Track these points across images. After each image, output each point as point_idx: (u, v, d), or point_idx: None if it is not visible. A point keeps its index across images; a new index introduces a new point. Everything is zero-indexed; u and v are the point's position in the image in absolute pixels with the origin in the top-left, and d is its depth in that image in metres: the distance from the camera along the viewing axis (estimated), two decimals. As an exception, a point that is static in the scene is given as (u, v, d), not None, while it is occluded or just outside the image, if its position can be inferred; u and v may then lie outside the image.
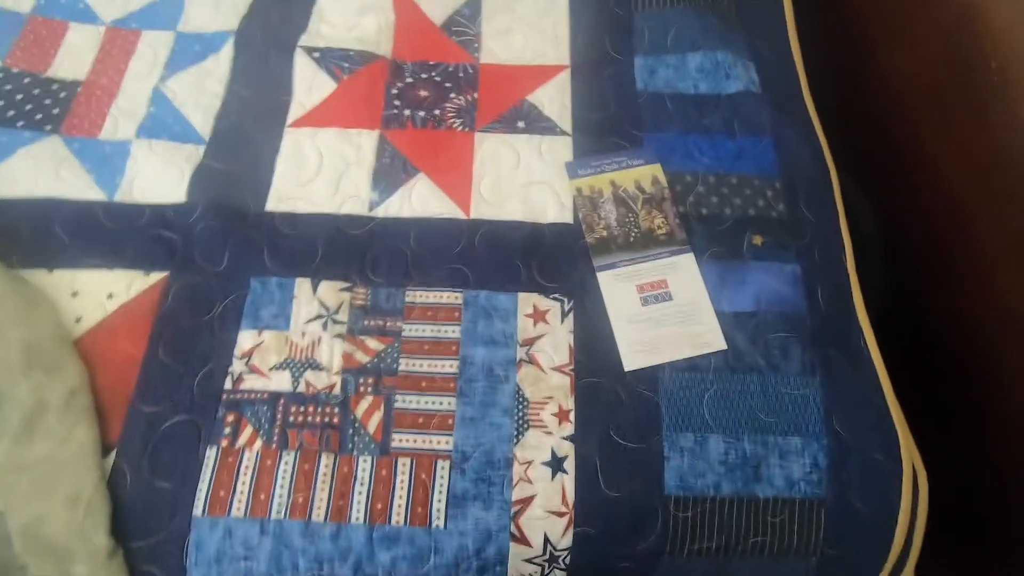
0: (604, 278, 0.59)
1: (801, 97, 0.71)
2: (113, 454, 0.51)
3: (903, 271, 0.75)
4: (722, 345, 0.56)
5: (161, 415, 0.53)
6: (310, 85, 0.69)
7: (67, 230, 0.60)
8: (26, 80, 0.67)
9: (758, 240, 0.62)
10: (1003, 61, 0.61)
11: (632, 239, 0.61)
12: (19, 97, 0.66)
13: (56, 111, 0.66)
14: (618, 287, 0.59)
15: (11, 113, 0.65)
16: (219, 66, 0.70)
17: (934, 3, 0.70)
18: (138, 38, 0.71)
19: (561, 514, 0.50)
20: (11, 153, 0.63)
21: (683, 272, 0.59)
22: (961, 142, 0.68)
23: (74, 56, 0.70)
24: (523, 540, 0.50)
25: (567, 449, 0.53)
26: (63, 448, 0.50)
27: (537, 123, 0.68)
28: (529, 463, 0.52)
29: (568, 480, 0.52)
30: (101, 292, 0.57)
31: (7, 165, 0.63)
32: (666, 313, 0.58)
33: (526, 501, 0.51)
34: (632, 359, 0.56)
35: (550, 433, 0.53)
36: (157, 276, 0.58)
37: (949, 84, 0.69)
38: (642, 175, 0.64)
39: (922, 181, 0.74)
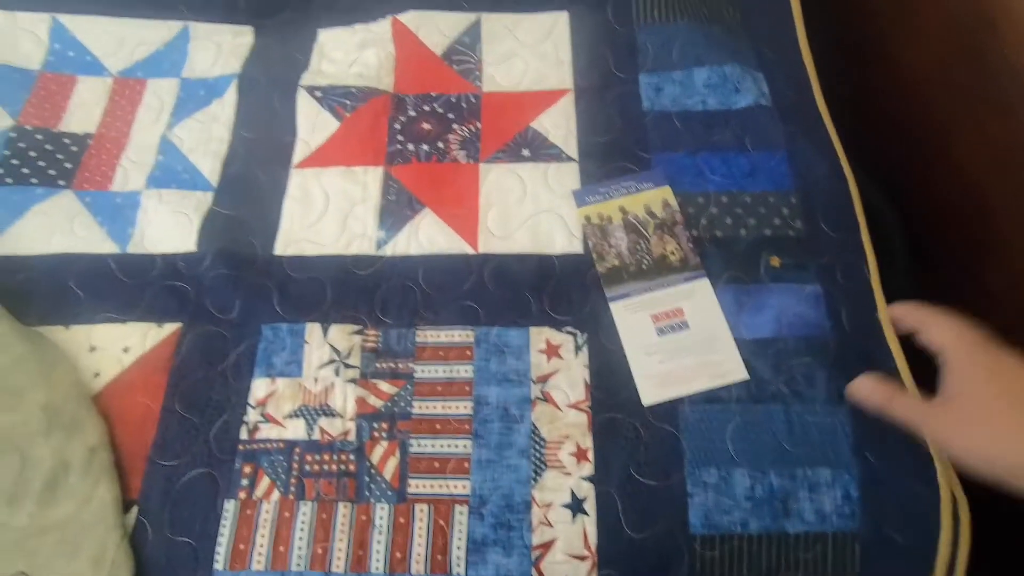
0: (617, 309, 0.58)
1: (815, 107, 0.68)
2: (134, 510, 0.52)
3: (926, 275, 0.72)
4: (743, 375, 0.54)
5: (179, 469, 0.53)
6: (313, 124, 0.69)
7: (82, 285, 0.61)
8: (38, 136, 0.68)
9: (776, 261, 0.59)
10: (1018, 50, 0.58)
11: (644, 267, 0.59)
12: (32, 154, 0.67)
13: (68, 165, 0.67)
14: (632, 317, 0.57)
15: (25, 171, 0.66)
16: (224, 110, 0.71)
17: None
18: (144, 87, 0.72)
19: (583, 558, 0.49)
20: (25, 210, 0.64)
21: (699, 299, 0.58)
22: (980, 136, 0.65)
23: (84, 109, 0.71)
24: (545, 586, 0.49)
25: (587, 490, 0.51)
26: (86, 508, 0.50)
27: (542, 150, 0.67)
28: (548, 505, 0.51)
29: (589, 522, 0.50)
30: (117, 346, 0.58)
31: (22, 223, 0.64)
32: (683, 343, 0.56)
33: (547, 545, 0.50)
34: (650, 393, 0.54)
35: (569, 474, 0.52)
36: (171, 327, 0.59)
37: (963, 77, 0.66)
38: (652, 199, 0.62)
39: (941, 177, 0.71)
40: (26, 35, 0.73)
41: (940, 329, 0.43)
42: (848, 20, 0.82)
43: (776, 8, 0.74)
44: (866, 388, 0.48)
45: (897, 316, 0.49)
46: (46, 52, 0.73)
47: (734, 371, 0.55)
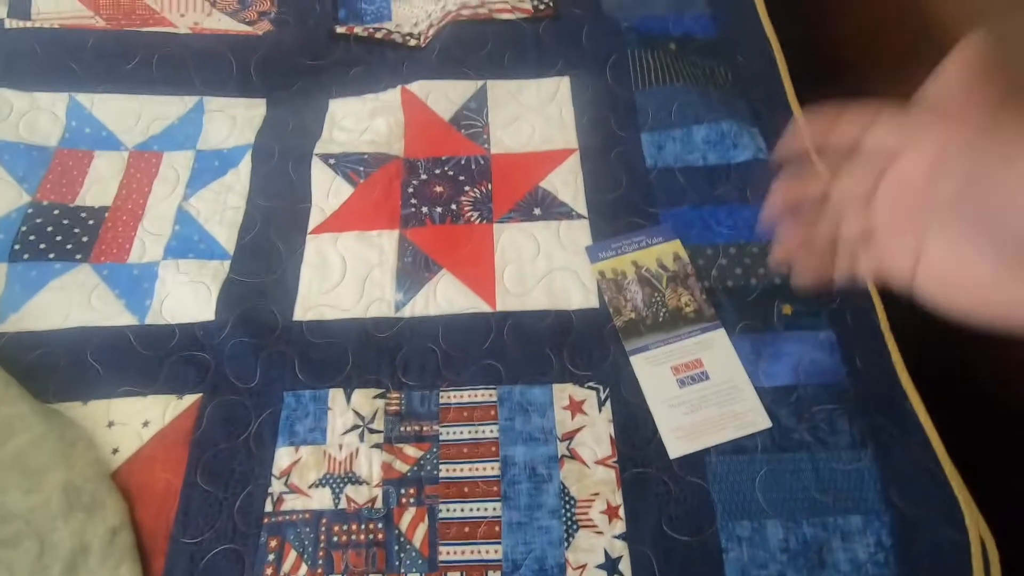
0: (637, 362, 0.59)
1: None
2: (157, 593, 0.50)
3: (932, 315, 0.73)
4: (766, 423, 0.55)
5: (203, 546, 0.52)
6: (328, 191, 0.71)
7: (100, 359, 0.60)
8: (55, 212, 0.69)
9: (788, 309, 0.61)
10: None
11: (661, 319, 0.61)
12: (49, 229, 0.68)
13: (85, 239, 0.68)
14: (653, 370, 0.58)
15: (43, 246, 0.67)
16: (239, 180, 0.72)
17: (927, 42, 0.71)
18: (160, 160, 0.74)
19: (622, 622, 0.48)
20: (42, 286, 0.65)
21: (717, 349, 0.59)
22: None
23: (100, 183, 0.72)
24: (585, 654, 0.48)
25: (620, 549, 0.51)
26: (107, 593, 0.49)
27: (553, 208, 0.69)
28: (583, 567, 0.50)
29: (626, 584, 0.50)
30: (136, 420, 0.57)
31: (39, 298, 0.64)
32: (705, 394, 0.57)
33: (584, 610, 0.49)
34: (675, 446, 0.55)
35: (601, 533, 0.52)
36: (191, 399, 0.59)
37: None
38: (663, 253, 0.64)
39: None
40: (44, 114, 0.75)
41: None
42: (836, 77, 0.86)
43: (765, 68, 0.79)
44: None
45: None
46: (63, 129, 0.75)
47: (758, 420, 0.55)
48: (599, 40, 0.80)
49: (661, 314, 0.61)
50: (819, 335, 0.60)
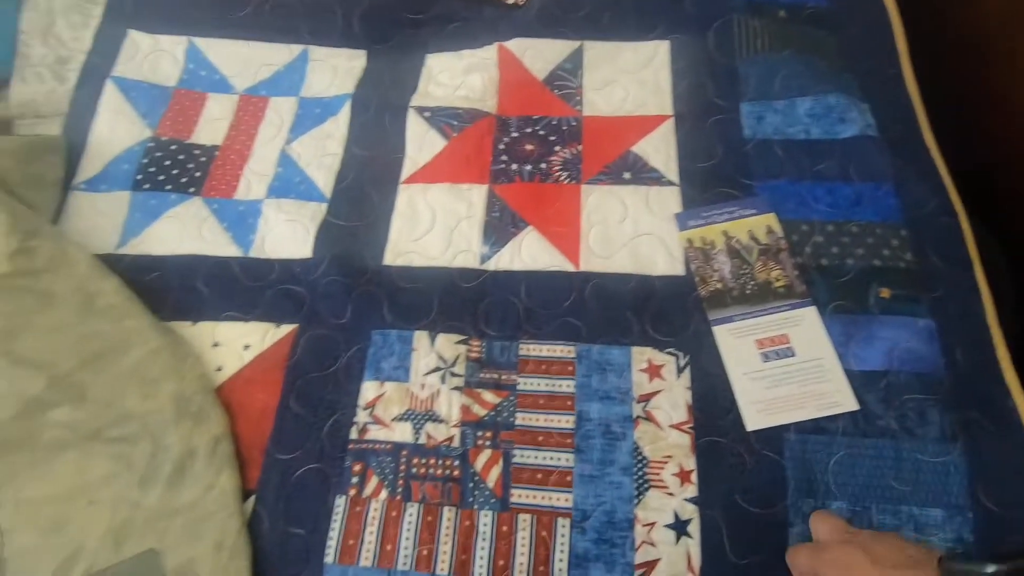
0: (720, 332, 0.58)
1: (922, 138, 0.67)
2: (252, 500, 0.55)
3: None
4: (853, 405, 0.53)
5: (294, 463, 0.56)
6: (421, 143, 0.73)
7: (208, 284, 0.65)
8: (173, 147, 0.75)
9: (886, 293, 0.59)
10: None
11: (748, 292, 0.59)
12: (167, 163, 0.73)
13: (198, 174, 0.73)
14: (736, 342, 0.57)
15: (161, 178, 0.72)
16: (338, 128, 0.75)
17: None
18: (266, 104, 0.78)
19: (687, 581, 0.49)
20: (160, 215, 0.70)
21: (805, 327, 0.57)
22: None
23: (212, 124, 0.76)
24: (648, 606, 0.49)
25: (691, 512, 0.51)
26: (210, 494, 0.54)
27: (643, 174, 0.68)
28: (652, 525, 0.51)
29: (693, 545, 0.50)
30: (238, 343, 0.62)
31: (158, 225, 0.69)
32: (789, 370, 0.56)
33: (650, 565, 0.50)
34: (754, 419, 0.54)
35: (672, 494, 0.52)
36: (287, 328, 0.62)
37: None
38: (756, 225, 0.63)
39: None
40: (166, 56, 0.80)
41: (804, 559, 0.47)
42: (956, 56, 0.80)
43: (879, 40, 0.74)
44: None
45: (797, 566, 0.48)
46: (181, 71, 0.80)
47: (843, 402, 0.54)
48: (703, 4, 0.77)
49: (749, 287, 0.60)
50: (918, 322, 0.57)
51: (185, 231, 0.69)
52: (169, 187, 0.72)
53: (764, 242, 0.61)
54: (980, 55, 0.78)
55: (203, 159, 0.74)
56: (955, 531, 0.50)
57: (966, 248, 0.61)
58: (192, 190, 0.72)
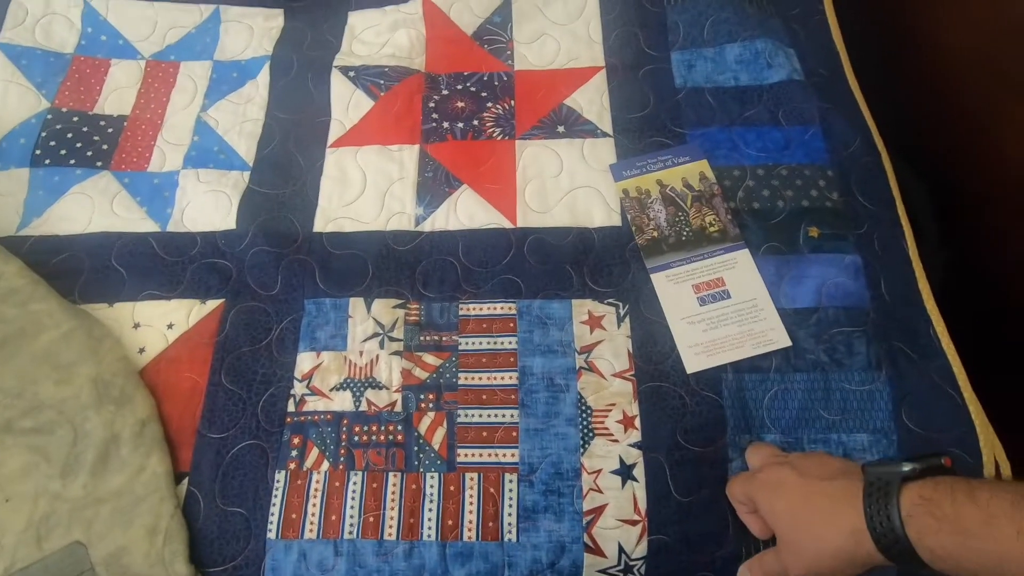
0: (658, 279, 0.58)
1: (846, 81, 0.69)
2: (185, 482, 0.52)
3: (960, 251, 0.72)
4: (787, 342, 0.55)
5: (228, 441, 0.53)
6: (348, 104, 0.69)
7: (124, 263, 0.61)
8: (75, 119, 0.69)
9: (814, 232, 0.60)
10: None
11: (684, 238, 0.60)
12: (70, 136, 0.68)
13: (105, 147, 0.68)
14: (673, 288, 0.58)
15: (63, 152, 0.67)
16: (258, 91, 0.71)
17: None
18: (177, 70, 0.73)
19: (634, 523, 0.50)
20: (66, 191, 0.65)
21: (740, 269, 0.58)
22: (1017, 114, 0.65)
23: (118, 92, 0.71)
24: (597, 551, 0.49)
25: (635, 456, 0.52)
26: (138, 479, 0.51)
27: (577, 126, 0.67)
28: (598, 472, 0.51)
29: (639, 488, 0.51)
30: (161, 322, 0.58)
31: (63, 203, 0.64)
32: (725, 312, 0.56)
33: (598, 511, 0.50)
34: (693, 361, 0.55)
35: (616, 441, 0.52)
36: (213, 303, 0.59)
37: (1001, 53, 0.66)
38: (689, 172, 0.63)
39: (979, 159, 0.71)
40: (59, 19, 0.74)
41: (738, 489, 0.49)
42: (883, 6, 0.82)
43: (804, -14, 0.75)
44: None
45: (735, 496, 0.49)
46: (79, 36, 0.74)
47: (778, 339, 0.55)
48: (631, -47, 0.76)
49: (684, 233, 0.60)
50: (845, 259, 0.59)
51: (94, 208, 0.64)
52: (73, 161, 0.66)
53: (698, 188, 0.61)
54: None
55: (110, 130, 0.69)
56: (881, 453, 0.52)
57: (889, 186, 0.63)
58: (99, 164, 0.67)
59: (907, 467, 0.41)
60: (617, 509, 0.50)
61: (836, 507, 0.42)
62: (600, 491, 0.51)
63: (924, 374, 0.54)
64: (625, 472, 0.51)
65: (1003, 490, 0.37)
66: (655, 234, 0.60)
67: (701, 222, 0.60)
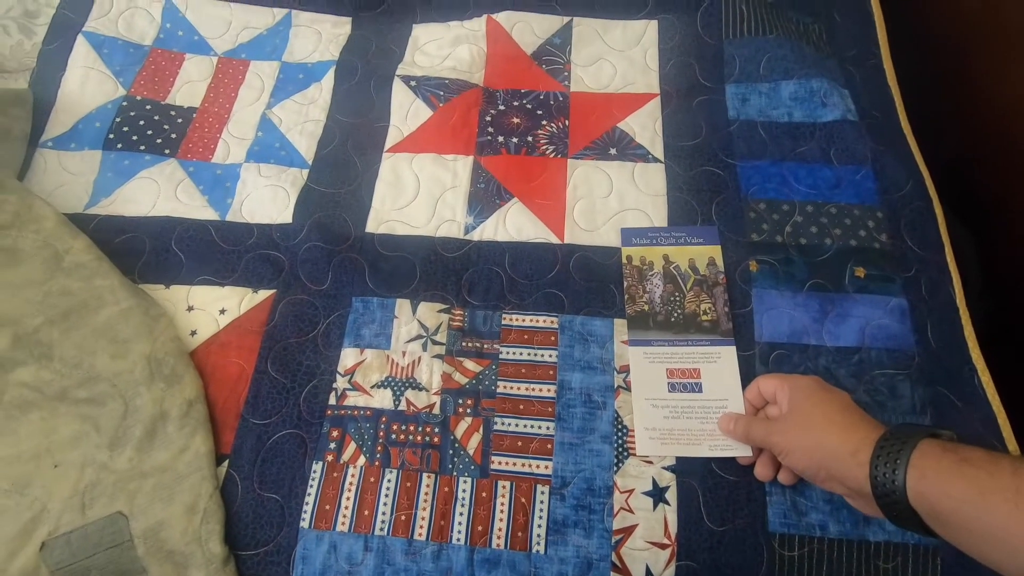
0: (635, 354, 0.57)
1: (899, 124, 0.69)
2: (225, 464, 0.53)
3: (1002, 303, 0.71)
4: (747, 452, 0.52)
5: (270, 428, 0.55)
6: (407, 112, 0.72)
7: (183, 248, 0.63)
8: (148, 107, 0.72)
9: (861, 272, 0.60)
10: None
11: (673, 319, 0.58)
12: (142, 123, 0.71)
13: (174, 136, 0.71)
14: (647, 366, 0.56)
15: (135, 138, 0.70)
16: (321, 94, 0.74)
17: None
18: (247, 68, 0.76)
19: (663, 546, 0.50)
20: (134, 175, 0.68)
21: (720, 365, 0.56)
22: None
23: (190, 85, 0.74)
24: (624, 571, 0.49)
25: (668, 479, 0.52)
26: (182, 457, 0.52)
27: (629, 150, 0.68)
28: (630, 492, 0.51)
29: (671, 512, 0.51)
30: (214, 307, 0.60)
31: (130, 186, 0.67)
32: (692, 405, 0.54)
33: (627, 531, 0.50)
34: (646, 445, 0.53)
35: (650, 463, 0.53)
36: (265, 293, 0.61)
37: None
38: (699, 255, 0.61)
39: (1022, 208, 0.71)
40: (141, 13, 0.78)
41: (774, 380, 0.51)
42: (935, 50, 0.82)
43: (861, 29, 0.76)
44: (725, 424, 0.53)
45: (764, 390, 0.52)
46: (158, 30, 0.77)
47: (737, 447, 0.52)
48: (692, -15, 0.78)
49: (675, 315, 0.58)
50: (891, 301, 0.59)
51: (159, 193, 0.67)
52: (143, 148, 0.69)
53: (703, 273, 0.60)
54: (958, 48, 0.80)
55: (179, 120, 0.72)
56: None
57: (938, 231, 0.63)
58: (167, 151, 0.69)
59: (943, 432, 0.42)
60: (647, 531, 0.50)
61: (853, 426, 0.44)
62: (631, 511, 0.51)
63: (968, 422, 0.54)
64: (658, 494, 0.51)
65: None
66: (645, 307, 0.59)
67: (696, 308, 0.59)
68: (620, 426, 0.54)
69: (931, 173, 0.67)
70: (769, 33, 0.73)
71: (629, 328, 0.58)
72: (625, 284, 0.60)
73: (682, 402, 0.55)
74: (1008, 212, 0.73)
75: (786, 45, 0.72)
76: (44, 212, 0.61)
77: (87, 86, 0.72)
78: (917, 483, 0.38)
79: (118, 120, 0.71)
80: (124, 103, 0.72)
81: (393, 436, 0.54)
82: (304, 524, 0.51)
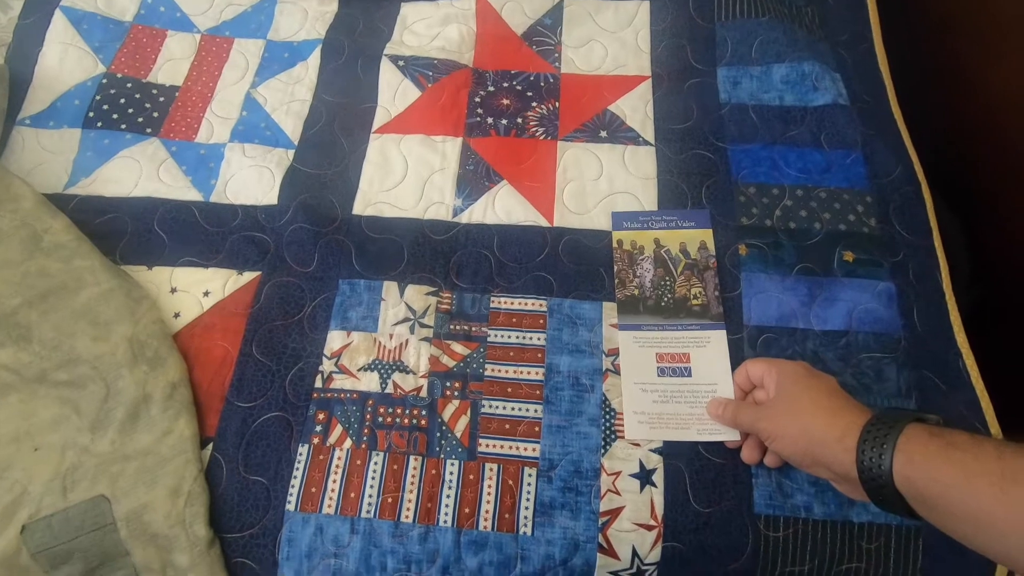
0: (625, 338, 0.56)
1: (890, 110, 0.69)
2: (210, 447, 0.53)
3: (990, 290, 0.72)
4: (733, 436, 0.52)
5: (255, 411, 0.54)
6: (395, 92, 0.71)
7: (166, 228, 0.62)
8: (128, 85, 0.70)
9: (849, 256, 0.60)
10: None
11: (663, 304, 0.58)
12: (122, 101, 0.69)
13: (156, 115, 0.69)
14: (637, 350, 0.56)
15: (115, 116, 0.68)
16: (307, 73, 0.72)
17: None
18: (231, 46, 0.74)
19: (650, 528, 0.50)
20: (114, 154, 0.66)
21: (710, 350, 0.56)
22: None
23: (172, 63, 0.72)
24: (611, 552, 0.49)
25: (656, 462, 0.52)
26: (165, 440, 0.52)
27: (619, 133, 0.68)
28: (617, 474, 0.52)
29: (657, 493, 0.51)
30: (198, 289, 0.59)
31: (111, 165, 0.66)
32: (681, 389, 0.54)
33: (614, 513, 0.50)
34: (634, 429, 0.53)
35: (638, 445, 0.53)
36: (250, 275, 0.60)
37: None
38: (690, 239, 0.61)
39: (1013, 196, 0.71)
40: (121, -12, 0.76)
41: (762, 364, 0.51)
42: (927, 37, 0.82)
43: (854, 13, 0.75)
44: (714, 409, 0.53)
45: (752, 374, 0.51)
46: (139, 5, 0.75)
47: (725, 432, 0.52)
48: (684, -33, 0.77)
49: (665, 299, 0.58)
50: (878, 285, 0.59)
51: (141, 172, 0.65)
52: (124, 126, 0.68)
53: (693, 257, 0.60)
54: (950, 34, 0.80)
55: (161, 99, 0.70)
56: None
57: (927, 217, 0.63)
58: (149, 130, 0.68)
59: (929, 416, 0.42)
60: (634, 512, 0.50)
61: (840, 411, 0.44)
62: (618, 493, 0.51)
63: (953, 405, 0.54)
64: (644, 476, 0.51)
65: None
66: (635, 292, 0.58)
67: (686, 292, 0.58)
68: (608, 409, 0.54)
69: (921, 159, 0.67)
70: (762, 16, 0.73)
71: (619, 312, 0.58)
72: (615, 269, 0.60)
73: (671, 386, 0.55)
74: (997, 199, 0.74)
75: (778, 28, 0.72)
76: (22, 191, 0.59)
77: (65, 63, 0.70)
78: (903, 468, 0.39)
79: (98, 98, 0.69)
80: (104, 80, 0.70)
81: (380, 419, 0.54)
82: (290, 507, 0.51)
